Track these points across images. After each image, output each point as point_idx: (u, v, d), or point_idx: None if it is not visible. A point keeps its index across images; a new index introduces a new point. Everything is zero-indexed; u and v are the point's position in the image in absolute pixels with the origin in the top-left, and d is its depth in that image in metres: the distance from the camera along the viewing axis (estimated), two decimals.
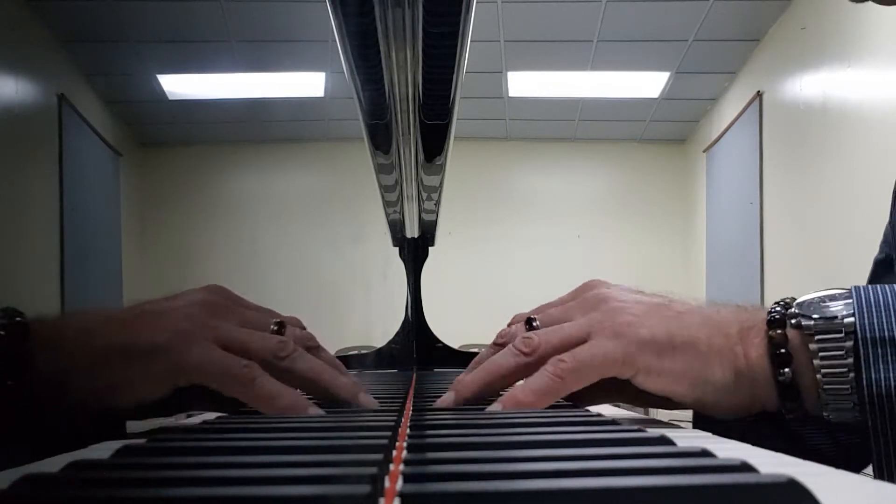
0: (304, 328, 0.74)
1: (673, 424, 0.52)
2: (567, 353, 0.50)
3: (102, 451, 0.37)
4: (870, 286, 0.48)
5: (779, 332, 0.49)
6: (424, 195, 1.14)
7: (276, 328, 0.54)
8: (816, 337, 0.47)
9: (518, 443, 0.35)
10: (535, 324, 0.56)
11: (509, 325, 0.76)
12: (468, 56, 0.70)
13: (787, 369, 0.48)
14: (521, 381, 0.53)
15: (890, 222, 0.79)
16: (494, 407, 0.50)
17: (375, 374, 1.34)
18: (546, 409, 0.53)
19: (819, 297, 0.49)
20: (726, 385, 0.49)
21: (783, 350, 0.48)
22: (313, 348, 0.55)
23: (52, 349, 0.47)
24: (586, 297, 0.56)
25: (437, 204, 1.23)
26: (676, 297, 0.54)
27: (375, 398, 0.60)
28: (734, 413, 0.50)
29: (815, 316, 0.48)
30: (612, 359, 0.49)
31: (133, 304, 0.51)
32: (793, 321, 0.49)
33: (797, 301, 0.50)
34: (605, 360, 0.49)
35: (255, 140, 6.04)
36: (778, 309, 0.50)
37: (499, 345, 0.57)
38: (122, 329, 0.48)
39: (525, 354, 0.52)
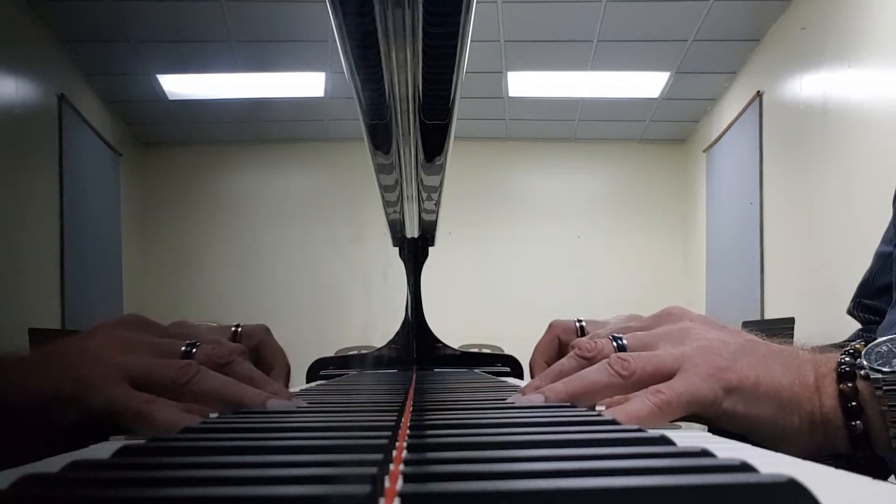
0: (264, 337, 0.78)
1: (675, 425, 0.52)
2: (664, 385, 0.52)
3: (102, 451, 0.37)
4: None
5: (849, 385, 0.51)
6: (424, 195, 1.14)
7: (186, 349, 0.57)
8: (885, 389, 0.49)
9: (518, 443, 0.35)
10: (621, 342, 0.58)
11: (550, 334, 0.80)
12: (468, 56, 0.70)
13: (858, 422, 0.50)
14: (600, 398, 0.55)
15: (893, 219, 0.79)
16: None
17: (375, 374, 1.34)
18: (546, 409, 0.53)
19: (888, 348, 0.51)
20: (802, 432, 0.51)
21: (854, 403, 0.50)
22: (224, 365, 0.57)
23: None
24: (673, 329, 0.58)
25: (437, 204, 1.23)
26: (755, 337, 0.56)
27: (375, 398, 0.60)
28: (806, 455, 0.51)
29: (884, 369, 0.50)
30: (703, 399, 0.51)
31: (45, 346, 0.54)
32: (861, 373, 0.50)
33: (865, 350, 0.52)
34: (696, 399, 0.51)
35: (255, 140, 6.04)
36: (847, 360, 0.52)
37: (585, 358, 0.58)
38: (29, 377, 0.50)
39: (622, 377, 0.54)
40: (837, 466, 0.39)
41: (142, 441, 0.36)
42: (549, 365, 0.76)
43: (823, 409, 0.51)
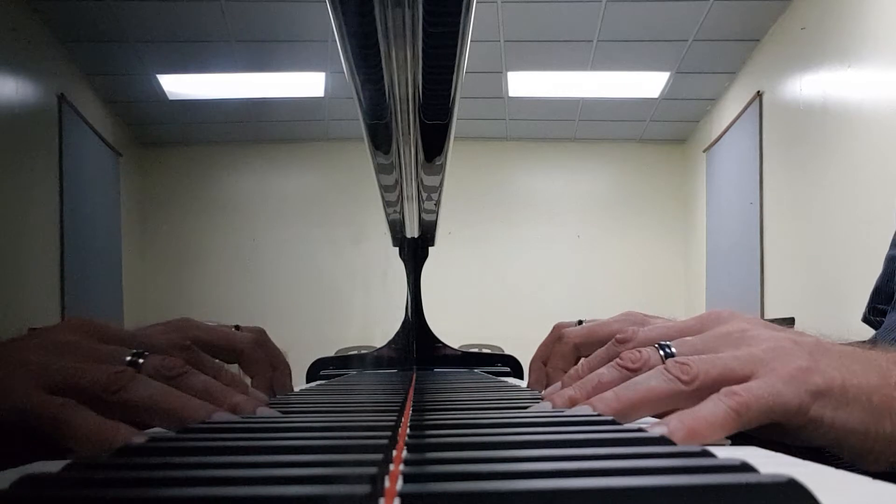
0: (262, 340, 0.74)
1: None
2: (740, 386, 0.45)
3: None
4: None
5: None
6: (424, 195, 1.14)
7: (133, 359, 0.51)
8: None
9: (518, 443, 0.35)
10: (669, 350, 0.52)
11: (552, 336, 0.75)
12: (468, 56, 0.70)
13: None
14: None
15: None
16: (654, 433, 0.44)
17: (375, 374, 1.34)
18: (544, 409, 0.53)
19: None
20: (893, 440, 0.46)
21: None
22: (175, 377, 0.51)
23: None
24: (730, 331, 0.51)
25: (437, 204, 1.23)
26: (815, 335, 0.50)
27: (375, 398, 0.60)
28: (890, 465, 0.47)
29: None
30: (786, 405, 0.44)
31: None
32: None
33: None
34: (778, 405, 0.44)
35: (255, 140, 6.05)
36: None
37: (629, 369, 0.51)
38: None
39: (682, 382, 0.47)
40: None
41: (142, 441, 0.36)
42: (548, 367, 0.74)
43: None
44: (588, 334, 0.70)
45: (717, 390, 0.45)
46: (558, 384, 0.59)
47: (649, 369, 0.49)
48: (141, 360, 0.51)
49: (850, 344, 0.50)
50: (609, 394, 0.48)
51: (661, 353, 0.52)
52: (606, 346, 0.58)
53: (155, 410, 0.47)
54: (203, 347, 0.62)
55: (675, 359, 0.49)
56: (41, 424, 0.43)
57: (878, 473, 0.49)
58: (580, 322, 0.78)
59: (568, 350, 0.70)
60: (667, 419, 0.43)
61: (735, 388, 0.44)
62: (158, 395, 0.48)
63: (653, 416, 0.49)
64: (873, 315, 0.85)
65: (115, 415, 0.45)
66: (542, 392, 0.60)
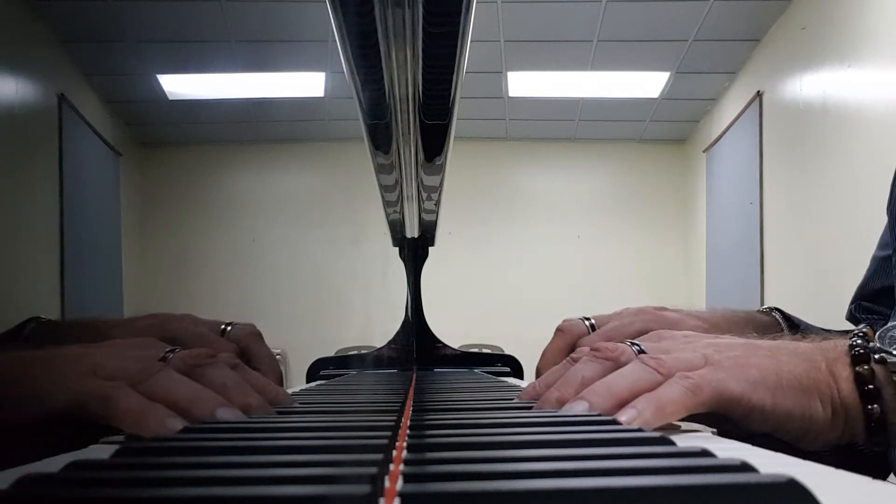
0: (251, 342, 0.76)
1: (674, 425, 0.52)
2: (692, 372, 0.50)
3: (102, 451, 0.37)
4: None
5: (865, 367, 0.50)
6: (424, 195, 1.14)
7: (165, 354, 0.57)
8: None
9: (518, 443, 0.35)
10: (640, 347, 0.57)
11: (564, 338, 0.77)
12: (468, 56, 0.70)
13: (875, 405, 0.49)
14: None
15: (890, 224, 0.79)
16: (626, 416, 0.48)
17: (375, 374, 1.34)
18: (544, 409, 0.53)
19: None
20: (826, 420, 0.50)
21: (871, 386, 0.50)
22: (196, 367, 0.56)
23: None
24: (679, 335, 0.58)
25: (437, 204, 1.23)
26: (746, 340, 0.56)
27: (375, 398, 0.60)
28: (828, 446, 0.52)
29: None
30: (731, 392, 0.50)
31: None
32: (876, 356, 0.50)
33: (879, 333, 0.52)
34: (725, 390, 0.50)
35: (255, 140, 6.04)
36: (860, 342, 0.51)
37: (609, 359, 0.56)
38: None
39: (660, 374, 0.52)
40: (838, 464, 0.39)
41: (142, 441, 0.36)
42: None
43: (842, 394, 0.50)
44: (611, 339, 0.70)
45: None
46: (536, 385, 0.60)
47: (626, 360, 0.54)
48: (171, 355, 0.56)
49: (777, 339, 0.56)
50: (600, 387, 0.51)
51: (634, 348, 0.57)
52: (590, 360, 0.61)
53: (168, 401, 0.50)
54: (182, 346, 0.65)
55: (649, 355, 0.54)
56: (90, 403, 0.47)
57: (877, 466, 0.50)
58: (587, 319, 0.77)
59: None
60: (633, 402, 0.48)
61: (687, 373, 0.50)
62: (174, 387, 0.51)
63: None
64: (858, 312, 0.86)
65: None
66: (521, 394, 0.61)
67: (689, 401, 0.49)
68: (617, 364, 0.55)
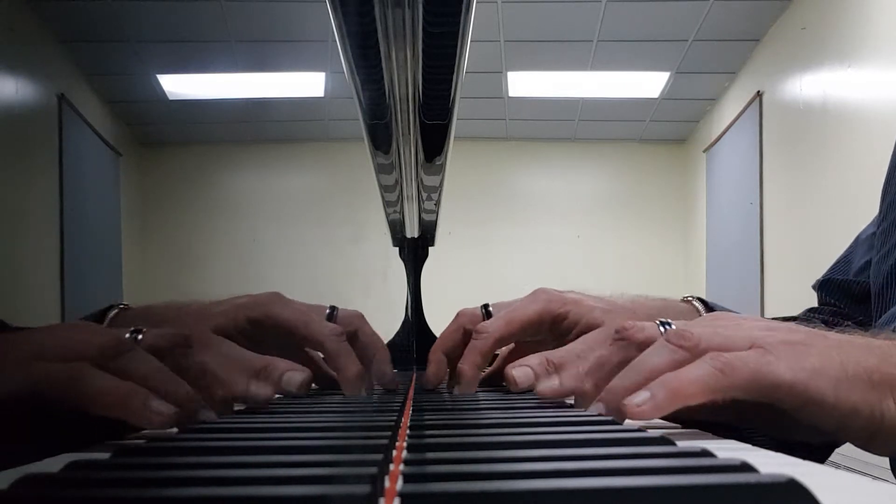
0: (360, 324, 0.71)
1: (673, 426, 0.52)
2: (729, 353, 0.44)
3: (102, 451, 0.37)
4: None
5: None
6: (424, 195, 1.14)
7: (130, 335, 0.50)
8: None
9: (518, 443, 0.35)
10: (669, 326, 0.51)
11: (457, 324, 0.71)
12: (468, 56, 0.70)
13: None
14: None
15: (880, 210, 0.79)
16: (637, 399, 0.43)
17: None
18: (545, 409, 0.53)
19: None
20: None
21: None
22: (165, 355, 0.49)
23: None
24: (725, 318, 0.50)
25: (437, 204, 1.23)
26: (809, 328, 0.49)
27: (375, 398, 0.60)
28: (885, 452, 0.46)
29: None
30: (778, 377, 0.43)
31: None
32: None
33: None
34: (768, 373, 0.43)
35: (255, 140, 6.04)
36: None
37: (632, 341, 0.51)
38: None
39: (686, 350, 0.45)
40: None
41: (142, 441, 0.36)
42: (449, 357, 0.69)
43: None
44: (507, 325, 0.65)
45: None
46: (528, 371, 0.56)
47: (647, 340, 0.49)
48: (139, 336, 0.49)
49: (847, 332, 0.48)
50: (616, 385, 0.47)
51: (662, 329, 0.50)
52: (611, 345, 0.55)
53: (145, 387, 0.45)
54: (279, 329, 0.60)
55: (675, 328, 0.47)
56: (57, 390, 0.41)
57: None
58: (485, 306, 0.72)
59: (488, 346, 0.65)
60: (648, 385, 0.43)
61: (722, 353, 0.43)
62: (151, 373, 0.45)
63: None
64: (823, 289, 0.83)
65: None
66: (519, 382, 0.57)
67: (716, 382, 0.42)
68: (641, 349, 0.49)
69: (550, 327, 0.66)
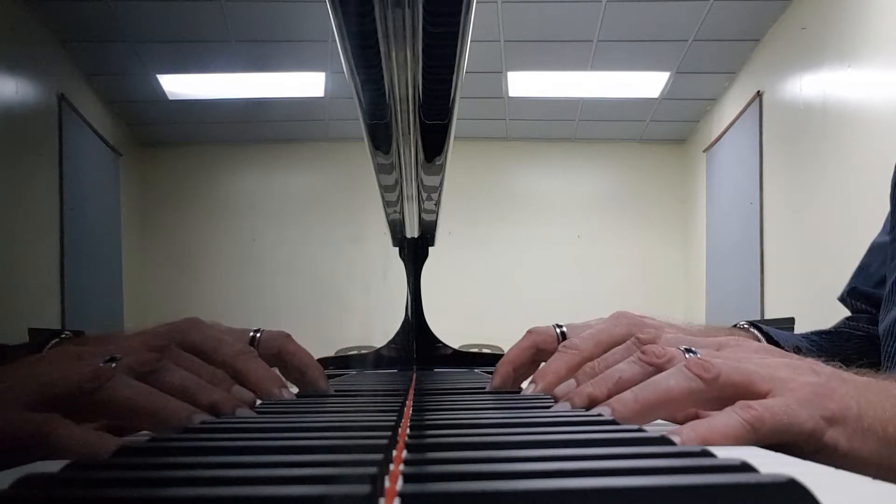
0: (284, 343, 0.69)
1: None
2: (756, 402, 0.44)
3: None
4: None
5: None
6: (424, 195, 1.14)
7: (105, 363, 0.49)
8: None
9: (518, 443, 0.35)
10: (694, 352, 0.51)
11: (530, 341, 0.70)
12: (468, 56, 0.70)
13: None
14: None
15: (893, 209, 0.79)
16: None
17: (375, 374, 1.34)
18: (545, 409, 0.53)
19: None
20: None
21: None
22: (148, 373, 0.49)
23: None
24: (749, 352, 0.51)
25: (437, 204, 1.23)
26: (832, 368, 0.49)
27: (375, 398, 0.60)
28: None
29: None
30: (801, 426, 0.43)
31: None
32: None
33: None
34: (794, 426, 0.43)
35: (255, 140, 6.04)
36: None
37: (652, 364, 0.51)
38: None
39: (704, 380, 0.46)
40: None
41: (142, 441, 0.36)
42: (517, 374, 0.69)
43: None
44: (595, 346, 0.64)
45: (738, 398, 0.44)
46: (571, 382, 0.56)
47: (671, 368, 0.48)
48: (114, 364, 0.49)
49: (865, 374, 0.49)
50: (628, 395, 0.47)
51: (687, 355, 0.50)
52: (625, 344, 0.56)
53: (135, 411, 0.46)
54: (196, 354, 0.59)
55: (698, 356, 0.48)
56: (25, 442, 0.41)
57: None
58: (559, 327, 0.72)
59: (576, 362, 0.64)
60: (679, 428, 0.43)
61: (751, 402, 0.43)
62: (138, 394, 0.46)
63: (670, 420, 0.50)
64: (852, 297, 0.84)
65: (98, 420, 0.45)
66: (556, 390, 0.57)
67: (746, 435, 0.42)
68: (660, 371, 0.49)
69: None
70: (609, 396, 0.49)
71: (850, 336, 0.79)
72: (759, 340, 0.70)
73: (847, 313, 0.86)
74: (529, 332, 0.72)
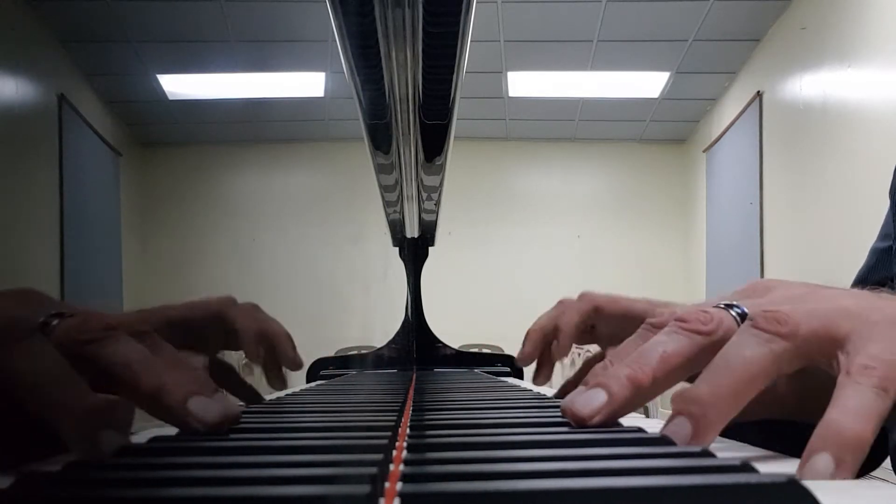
0: (225, 308, 0.61)
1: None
2: (866, 357, 0.33)
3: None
4: None
5: None
6: (424, 195, 1.14)
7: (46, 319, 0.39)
8: None
9: (518, 443, 0.35)
10: (741, 308, 0.39)
11: (560, 308, 0.64)
12: (468, 56, 0.70)
13: None
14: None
15: (891, 211, 0.78)
16: (816, 459, 0.31)
17: (375, 374, 1.34)
18: (545, 409, 0.53)
19: None
20: None
21: None
22: (88, 342, 0.38)
23: None
24: (791, 292, 0.41)
25: (437, 204, 1.23)
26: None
27: (375, 398, 0.60)
28: None
29: None
30: (854, 316, 0.35)
31: None
32: None
33: None
34: (837, 320, 0.35)
35: (255, 140, 6.05)
36: None
37: (700, 332, 0.38)
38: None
39: (783, 337, 0.35)
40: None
41: (142, 441, 0.36)
42: (546, 339, 0.65)
43: None
44: (612, 300, 0.59)
45: (819, 353, 0.35)
46: (580, 388, 0.41)
47: (724, 335, 0.37)
48: (55, 322, 0.38)
49: None
50: (698, 390, 0.35)
51: (734, 313, 0.39)
52: (637, 332, 0.43)
53: (127, 378, 0.37)
54: (177, 323, 0.53)
55: (764, 310, 0.36)
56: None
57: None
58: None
59: (587, 309, 0.59)
60: (822, 435, 0.31)
61: (863, 361, 0.33)
62: (138, 359, 0.38)
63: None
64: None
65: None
66: (563, 403, 0.43)
67: (884, 407, 0.32)
68: (712, 341, 0.38)
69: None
70: (655, 379, 0.37)
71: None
72: None
73: None
74: (560, 301, 0.66)
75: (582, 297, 0.65)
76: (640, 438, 0.36)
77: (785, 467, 0.28)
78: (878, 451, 0.44)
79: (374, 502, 0.23)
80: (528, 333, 0.66)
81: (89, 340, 0.38)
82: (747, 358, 0.35)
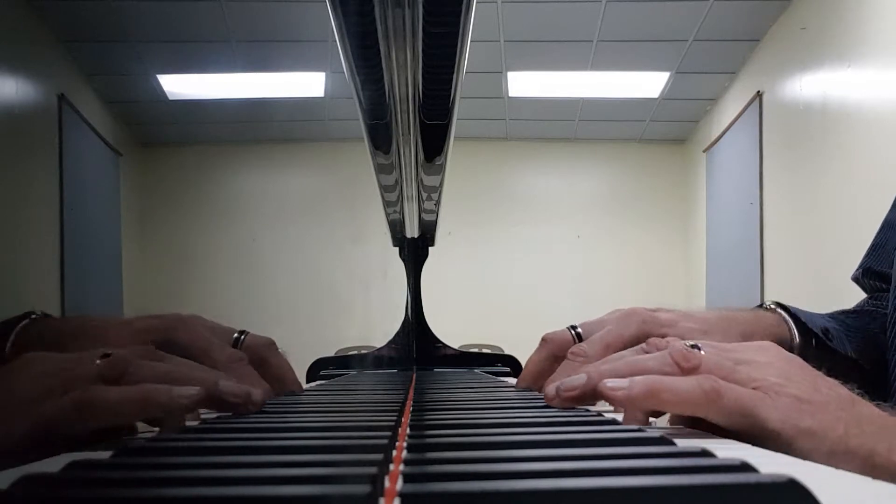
0: (266, 354, 0.66)
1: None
2: (727, 383, 0.44)
3: (102, 451, 0.37)
4: None
5: None
6: (424, 195, 1.14)
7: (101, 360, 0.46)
8: None
9: (518, 443, 0.35)
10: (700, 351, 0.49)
11: (547, 350, 0.68)
12: (468, 56, 0.70)
13: None
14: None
15: None
16: (612, 384, 0.45)
17: (375, 374, 1.34)
18: (545, 409, 0.53)
19: None
20: None
21: None
22: (118, 377, 0.45)
23: None
24: (764, 349, 0.49)
25: (437, 204, 1.23)
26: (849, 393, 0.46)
27: (375, 398, 0.60)
28: None
29: None
30: (766, 425, 0.43)
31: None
32: None
33: None
34: (759, 422, 0.43)
35: (255, 140, 6.04)
36: None
37: (684, 369, 0.48)
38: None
39: (682, 370, 0.46)
40: None
41: (142, 441, 0.36)
42: (537, 386, 0.67)
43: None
44: (605, 350, 0.62)
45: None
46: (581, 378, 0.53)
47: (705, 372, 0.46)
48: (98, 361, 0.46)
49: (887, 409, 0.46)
50: (634, 379, 0.45)
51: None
52: (636, 348, 0.55)
53: (125, 406, 0.43)
54: (181, 353, 0.57)
55: (682, 350, 0.47)
56: (65, 419, 0.40)
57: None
58: (573, 328, 0.70)
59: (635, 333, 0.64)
60: (633, 377, 0.45)
61: (719, 380, 0.44)
62: (124, 394, 0.43)
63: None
64: (866, 276, 0.82)
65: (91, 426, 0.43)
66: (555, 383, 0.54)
67: (696, 401, 0.43)
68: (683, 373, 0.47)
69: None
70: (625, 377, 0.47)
71: (875, 314, 0.77)
72: (785, 321, 0.69)
73: (861, 294, 0.84)
74: (544, 339, 0.70)
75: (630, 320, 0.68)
76: (640, 438, 0.36)
77: (785, 467, 0.28)
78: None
79: (374, 502, 0.23)
80: (517, 382, 0.71)
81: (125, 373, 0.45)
82: (647, 366, 0.48)
